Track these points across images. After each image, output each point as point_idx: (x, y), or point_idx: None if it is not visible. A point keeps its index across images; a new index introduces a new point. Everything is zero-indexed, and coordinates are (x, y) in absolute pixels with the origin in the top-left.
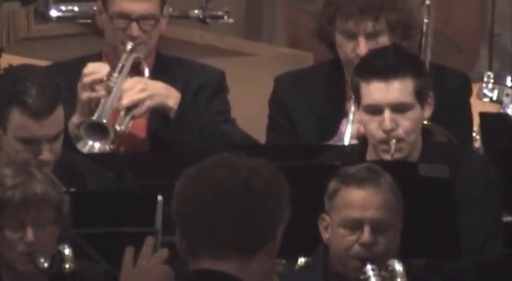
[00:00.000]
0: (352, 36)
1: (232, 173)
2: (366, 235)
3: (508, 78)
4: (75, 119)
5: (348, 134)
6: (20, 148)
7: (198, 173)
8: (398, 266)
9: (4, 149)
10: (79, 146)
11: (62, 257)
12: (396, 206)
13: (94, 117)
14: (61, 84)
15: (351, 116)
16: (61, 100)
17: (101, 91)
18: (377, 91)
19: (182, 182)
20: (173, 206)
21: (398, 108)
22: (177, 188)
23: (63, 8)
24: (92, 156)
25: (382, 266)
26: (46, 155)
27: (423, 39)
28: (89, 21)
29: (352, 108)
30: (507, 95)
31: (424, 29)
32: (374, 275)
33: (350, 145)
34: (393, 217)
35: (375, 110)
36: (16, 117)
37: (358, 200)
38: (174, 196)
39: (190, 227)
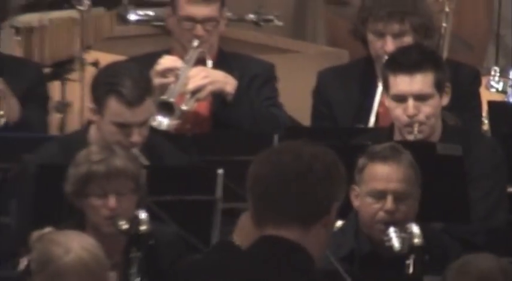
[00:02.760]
0: (381, 35)
1: (296, 158)
2: (389, 203)
3: (511, 73)
4: None
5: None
6: (114, 131)
7: (268, 157)
8: (415, 229)
9: (100, 130)
10: (150, 120)
11: (138, 221)
12: (414, 179)
13: (164, 97)
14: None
15: (376, 101)
16: (151, 92)
17: (170, 78)
18: (402, 83)
19: (254, 165)
20: (247, 185)
21: (420, 97)
22: (250, 170)
23: (140, 12)
24: (168, 137)
25: (402, 229)
26: (136, 137)
27: (441, 40)
28: (161, 23)
29: (378, 95)
30: (511, 86)
31: (443, 31)
32: (395, 236)
33: (380, 128)
34: (412, 188)
35: (401, 98)
36: (112, 105)
37: (382, 174)
38: (248, 177)
39: (260, 201)
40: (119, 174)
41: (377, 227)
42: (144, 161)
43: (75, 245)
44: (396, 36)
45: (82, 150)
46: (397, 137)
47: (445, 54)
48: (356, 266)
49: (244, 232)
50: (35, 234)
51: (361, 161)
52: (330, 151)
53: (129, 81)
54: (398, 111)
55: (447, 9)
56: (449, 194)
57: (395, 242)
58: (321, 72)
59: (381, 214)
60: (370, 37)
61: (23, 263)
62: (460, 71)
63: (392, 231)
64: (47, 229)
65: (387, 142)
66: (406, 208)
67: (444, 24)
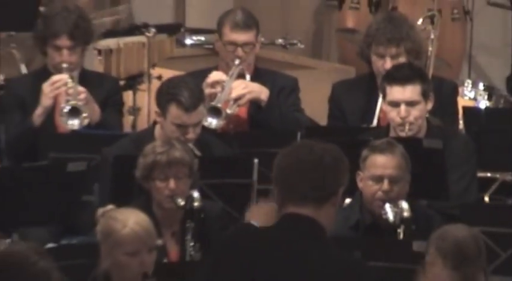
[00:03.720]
0: (382, 56)
1: (311, 153)
2: (385, 185)
3: (480, 84)
4: None
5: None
6: (174, 130)
7: (289, 152)
8: (405, 205)
9: (163, 129)
10: (202, 121)
11: (192, 199)
12: (405, 166)
13: (213, 103)
14: (202, 88)
15: (377, 107)
16: (203, 100)
17: (218, 88)
18: (396, 92)
19: (278, 158)
20: (273, 173)
21: (410, 103)
22: (275, 161)
23: (194, 38)
24: (215, 134)
25: (395, 205)
26: (191, 135)
27: (427, 60)
28: (210, 46)
29: (379, 102)
30: (480, 95)
31: (429, 53)
32: (390, 211)
33: (380, 128)
34: (403, 173)
35: (395, 104)
36: (173, 110)
37: (380, 162)
38: (273, 166)
39: (283, 186)
40: (177, 162)
41: (376, 204)
42: (197, 152)
43: (130, 220)
44: (393, 57)
45: (149, 144)
46: (392, 134)
47: (430, 71)
48: (361, 233)
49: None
50: (100, 211)
51: (364, 152)
52: (337, 147)
53: (186, 91)
54: (393, 114)
55: (432, 37)
56: (432, 178)
57: (390, 215)
58: (335, 84)
59: (379, 193)
60: (373, 58)
61: None
62: (442, 84)
63: (387, 206)
64: (110, 206)
65: (385, 138)
66: (398, 189)
67: (430, 48)
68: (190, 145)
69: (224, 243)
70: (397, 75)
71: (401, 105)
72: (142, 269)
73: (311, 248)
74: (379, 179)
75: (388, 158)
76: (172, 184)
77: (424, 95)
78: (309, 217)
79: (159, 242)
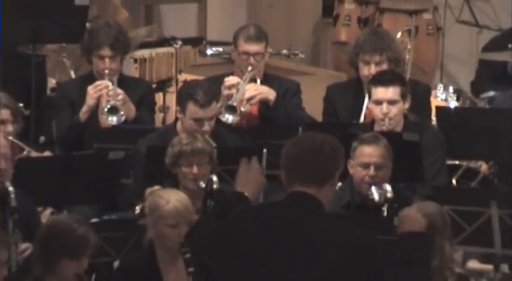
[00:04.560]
0: (367, 63)
1: (312, 142)
2: (371, 171)
3: (450, 88)
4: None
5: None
6: (192, 124)
7: (294, 142)
8: (389, 187)
9: (183, 124)
10: (221, 117)
11: (212, 182)
12: (388, 156)
13: (229, 102)
14: (216, 89)
15: (364, 106)
16: (216, 97)
17: (233, 90)
18: (380, 93)
19: (285, 147)
20: (281, 160)
21: (391, 102)
22: (283, 150)
23: (213, 49)
24: (231, 128)
25: (380, 187)
26: (206, 127)
27: (405, 67)
28: (227, 55)
29: (365, 102)
30: (450, 96)
31: (406, 61)
32: (376, 192)
33: (366, 123)
34: (386, 161)
35: (378, 102)
36: (191, 107)
37: (367, 152)
38: (282, 154)
39: (289, 171)
40: (199, 152)
41: (364, 186)
42: (212, 143)
43: (172, 198)
44: (377, 64)
45: (173, 137)
46: (376, 128)
47: (407, 76)
48: (351, 211)
49: None
50: (148, 190)
51: (354, 144)
52: (334, 137)
53: (201, 91)
54: (377, 111)
55: (409, 47)
56: (410, 164)
57: (376, 196)
58: (329, 86)
59: (367, 178)
60: (360, 64)
61: (137, 210)
62: (417, 87)
63: (373, 189)
64: (156, 187)
65: (371, 132)
66: (382, 174)
67: (407, 57)
68: (207, 137)
69: (239, 215)
70: (381, 79)
71: (384, 103)
72: (180, 239)
73: (314, 220)
74: (366, 165)
75: (374, 148)
76: (195, 169)
77: (403, 96)
78: (311, 195)
79: (196, 217)
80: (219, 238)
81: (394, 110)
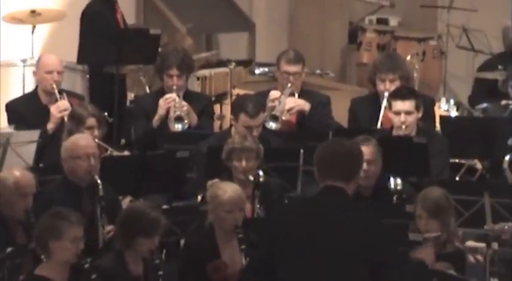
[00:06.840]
0: (383, 81)
1: (342, 146)
2: (364, 166)
3: (451, 101)
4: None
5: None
6: (243, 130)
7: (325, 146)
8: (399, 181)
9: (236, 129)
10: (266, 124)
11: (259, 175)
12: (378, 153)
13: (273, 113)
14: (263, 102)
15: (380, 115)
16: (263, 109)
17: (276, 102)
18: (399, 105)
19: (318, 150)
20: (314, 160)
21: (407, 113)
22: (316, 152)
23: (261, 69)
24: (275, 133)
25: (394, 180)
26: (255, 133)
27: (414, 83)
28: (271, 74)
29: (381, 112)
30: (451, 108)
31: (415, 79)
32: (392, 183)
33: (386, 128)
34: (376, 158)
35: (398, 113)
36: (242, 117)
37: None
38: (316, 155)
39: (322, 169)
40: (248, 149)
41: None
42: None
43: (228, 189)
44: (391, 81)
45: (229, 139)
46: (394, 133)
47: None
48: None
49: None
50: (209, 182)
51: None
52: (357, 143)
53: (250, 103)
54: (396, 120)
55: (417, 67)
56: (420, 162)
57: (392, 185)
58: (353, 99)
59: (361, 172)
60: (377, 82)
61: (199, 198)
62: (424, 100)
63: (392, 180)
64: (215, 180)
65: (389, 137)
66: (373, 168)
67: (415, 75)
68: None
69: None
70: (400, 94)
71: (402, 114)
72: (235, 222)
73: (344, 208)
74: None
75: (365, 147)
76: (243, 163)
77: (417, 107)
78: (341, 188)
79: (248, 206)
80: (280, 224)
81: (409, 119)
